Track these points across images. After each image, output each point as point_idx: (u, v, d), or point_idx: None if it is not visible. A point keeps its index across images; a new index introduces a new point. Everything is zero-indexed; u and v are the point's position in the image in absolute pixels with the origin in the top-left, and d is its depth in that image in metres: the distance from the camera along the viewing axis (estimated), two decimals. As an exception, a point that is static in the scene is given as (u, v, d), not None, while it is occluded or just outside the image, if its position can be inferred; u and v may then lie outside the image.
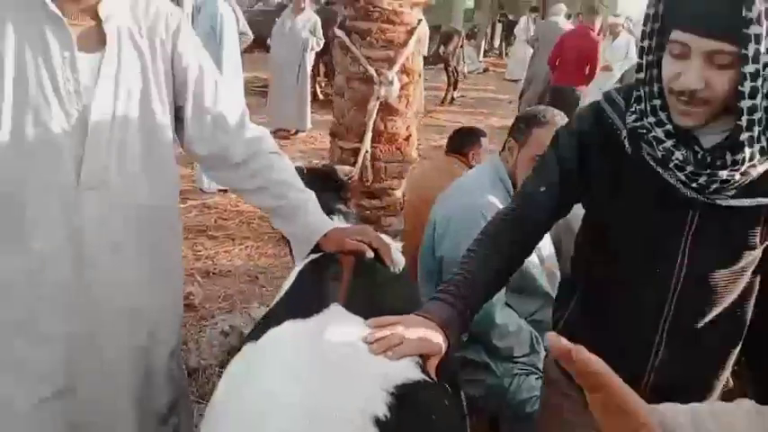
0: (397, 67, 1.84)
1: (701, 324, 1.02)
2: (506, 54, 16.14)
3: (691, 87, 0.85)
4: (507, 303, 1.86)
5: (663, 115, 0.93)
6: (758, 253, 0.99)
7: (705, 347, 1.04)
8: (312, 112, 6.31)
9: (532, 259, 1.82)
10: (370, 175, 1.94)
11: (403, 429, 0.72)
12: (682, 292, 1.00)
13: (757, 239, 0.96)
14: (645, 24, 0.93)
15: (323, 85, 7.87)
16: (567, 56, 6.29)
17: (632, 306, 1.05)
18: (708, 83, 0.85)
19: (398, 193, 2.09)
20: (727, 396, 1.12)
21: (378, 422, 0.71)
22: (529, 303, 1.87)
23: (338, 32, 1.87)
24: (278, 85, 6.00)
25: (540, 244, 1.40)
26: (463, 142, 2.66)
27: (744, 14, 0.80)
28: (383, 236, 1.31)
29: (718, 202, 0.92)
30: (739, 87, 0.84)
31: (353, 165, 1.94)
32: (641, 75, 0.95)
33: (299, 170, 1.71)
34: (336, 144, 2.04)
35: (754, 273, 1.02)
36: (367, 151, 1.91)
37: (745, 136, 0.86)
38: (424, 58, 7.78)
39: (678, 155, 0.91)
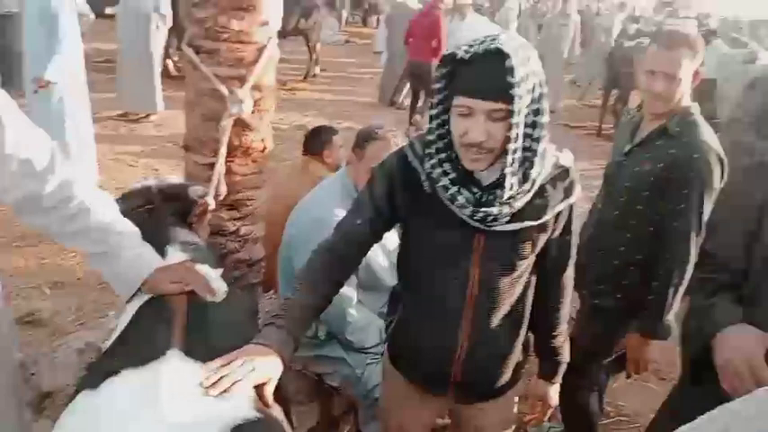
0: (249, 85, 1.89)
1: (493, 319, 1.29)
2: (364, 23, 16.29)
3: (478, 140, 1.09)
4: (359, 300, 2.06)
5: (447, 166, 1.17)
6: (531, 260, 1.28)
7: (497, 337, 1.31)
8: (163, 90, 5.96)
9: (378, 258, 2.03)
10: (223, 190, 1.99)
11: None
12: (477, 297, 1.25)
13: (528, 251, 1.24)
14: (433, 97, 1.15)
15: (175, 59, 7.42)
16: (416, 33, 6.70)
17: (440, 310, 1.29)
18: (490, 134, 1.09)
19: (257, 203, 2.17)
20: (519, 368, 1.41)
21: None
22: (377, 298, 2.09)
23: (186, 50, 1.87)
24: (124, 65, 5.58)
25: (387, 238, 1.59)
26: (316, 143, 2.80)
27: (509, 80, 1.04)
28: (200, 267, 1.32)
29: (496, 228, 1.18)
30: (507, 134, 1.09)
31: (209, 179, 1.98)
32: (431, 136, 1.17)
33: (148, 189, 1.67)
34: (191, 158, 2.05)
35: (531, 273, 1.31)
36: (222, 166, 1.96)
37: (508, 170, 1.12)
38: (283, 30, 7.64)
39: (461, 198, 1.16)
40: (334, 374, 2.06)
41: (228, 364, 0.99)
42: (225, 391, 0.94)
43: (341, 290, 1.90)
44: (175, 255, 1.42)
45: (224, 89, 1.86)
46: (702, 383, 1.21)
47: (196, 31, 1.85)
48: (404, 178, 1.25)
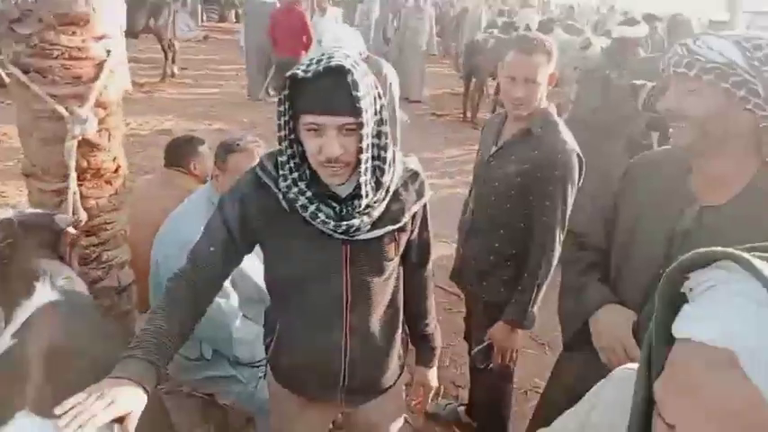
0: (90, 104, 1.75)
1: (371, 321, 1.33)
2: (222, 18, 15.70)
3: (335, 155, 1.10)
4: (244, 315, 2.02)
5: (302, 185, 1.18)
6: (397, 260, 1.34)
7: (378, 337, 1.36)
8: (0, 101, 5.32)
9: (256, 270, 1.99)
10: (83, 216, 1.84)
11: None
12: (352, 303, 1.29)
13: (393, 253, 1.30)
14: (279, 118, 1.13)
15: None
16: (280, 31, 6.65)
17: (319, 322, 1.31)
18: (345, 148, 1.11)
19: (118, 226, 2.02)
20: (401, 360, 1.48)
21: None
22: (263, 310, 2.05)
23: (12, 69, 1.69)
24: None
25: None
26: (180, 154, 2.63)
27: (355, 94, 1.06)
28: None
29: (359, 237, 1.22)
30: (359, 145, 1.11)
31: (59, 206, 1.82)
32: (283, 157, 1.17)
33: (9, 222, 1.51)
34: (34, 185, 1.86)
35: (398, 272, 1.37)
36: (75, 192, 1.80)
37: (363, 180, 1.15)
38: (131, 31, 7.13)
39: (321, 215, 1.17)
40: (226, 392, 2.01)
41: (83, 402, 0.92)
42: (80, 426, 0.88)
43: (222, 306, 1.86)
44: (44, 291, 1.33)
45: (63, 110, 1.71)
46: (582, 350, 1.35)
47: (21, 48, 1.67)
48: (258, 200, 1.22)
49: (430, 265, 1.47)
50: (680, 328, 0.47)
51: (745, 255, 0.43)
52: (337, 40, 2.88)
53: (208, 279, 1.26)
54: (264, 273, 1.37)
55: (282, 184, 1.19)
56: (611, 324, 1.27)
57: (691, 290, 0.47)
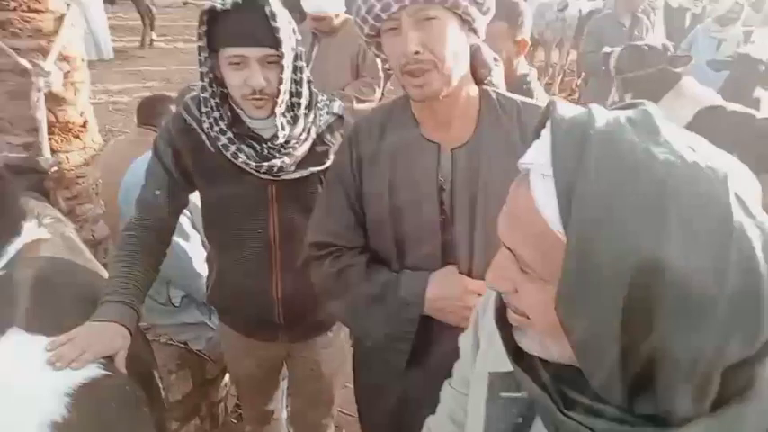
0: (52, 57, 1.78)
1: (299, 258, 1.34)
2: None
3: (260, 86, 1.13)
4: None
5: (223, 125, 1.20)
6: None
7: (307, 272, 1.37)
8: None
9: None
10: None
11: (83, 422, 0.86)
12: (280, 242, 1.33)
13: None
14: (200, 54, 1.15)
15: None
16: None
17: (249, 262, 1.35)
18: (267, 80, 1.13)
19: (89, 180, 2.08)
20: None
21: (56, 425, 0.83)
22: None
23: (-28, 23, 1.71)
24: None
25: None
26: (152, 113, 2.65)
27: (274, 25, 1.09)
28: None
29: (284, 177, 1.25)
30: (280, 76, 1.14)
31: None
32: (205, 94, 1.19)
33: None
34: (3, 140, 1.90)
35: None
36: (46, 139, 1.85)
37: (278, 110, 1.17)
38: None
39: (242, 155, 1.20)
40: (198, 338, 2.09)
41: (72, 339, 1.00)
42: (71, 363, 0.95)
43: (182, 245, 1.93)
44: (32, 229, 1.38)
45: (26, 62, 1.74)
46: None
47: (-22, 1, 1.69)
48: (185, 141, 1.25)
49: None
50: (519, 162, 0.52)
51: (555, 99, 0.49)
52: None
53: (162, 223, 1.31)
54: (202, 216, 1.41)
55: (205, 124, 1.21)
56: (446, 285, 1.05)
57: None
